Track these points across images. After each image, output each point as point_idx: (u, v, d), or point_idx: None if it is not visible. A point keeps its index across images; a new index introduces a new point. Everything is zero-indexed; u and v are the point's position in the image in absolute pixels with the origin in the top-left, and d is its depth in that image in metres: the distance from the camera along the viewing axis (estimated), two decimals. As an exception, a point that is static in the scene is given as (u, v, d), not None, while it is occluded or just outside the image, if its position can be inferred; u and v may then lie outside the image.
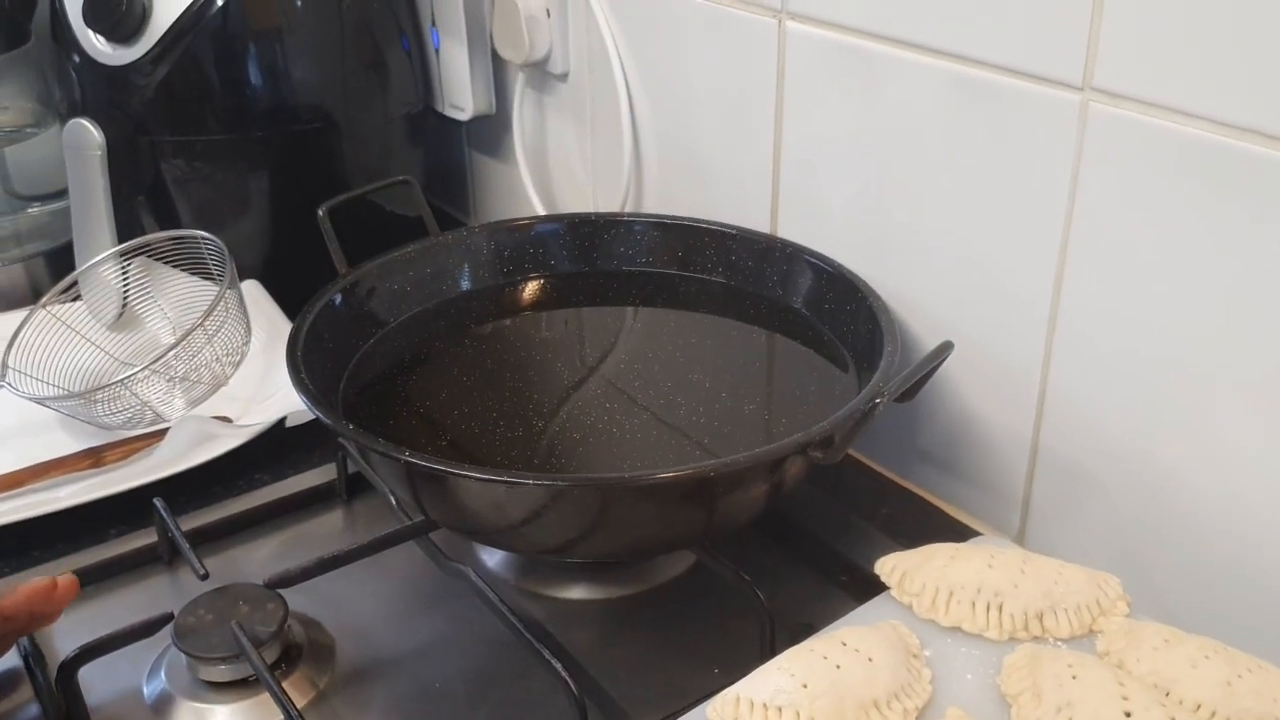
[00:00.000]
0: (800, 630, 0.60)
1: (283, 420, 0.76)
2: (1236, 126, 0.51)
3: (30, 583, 0.57)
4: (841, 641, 0.50)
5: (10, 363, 0.80)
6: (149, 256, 0.87)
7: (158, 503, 0.67)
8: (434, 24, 0.98)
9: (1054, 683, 0.47)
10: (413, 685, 0.60)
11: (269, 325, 0.86)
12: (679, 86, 0.82)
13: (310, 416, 0.62)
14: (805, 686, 0.47)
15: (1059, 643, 0.52)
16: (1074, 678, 0.47)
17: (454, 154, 1.12)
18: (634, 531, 0.59)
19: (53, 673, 0.58)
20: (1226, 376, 0.55)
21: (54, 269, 0.99)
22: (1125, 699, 0.46)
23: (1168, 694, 0.47)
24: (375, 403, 0.68)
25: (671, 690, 0.59)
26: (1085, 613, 0.52)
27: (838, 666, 0.48)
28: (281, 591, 0.60)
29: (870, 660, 0.49)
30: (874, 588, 0.57)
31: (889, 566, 0.56)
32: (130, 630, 0.59)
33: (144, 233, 0.89)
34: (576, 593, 0.66)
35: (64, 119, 0.90)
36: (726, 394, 0.68)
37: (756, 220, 0.79)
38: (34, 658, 0.60)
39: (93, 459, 0.76)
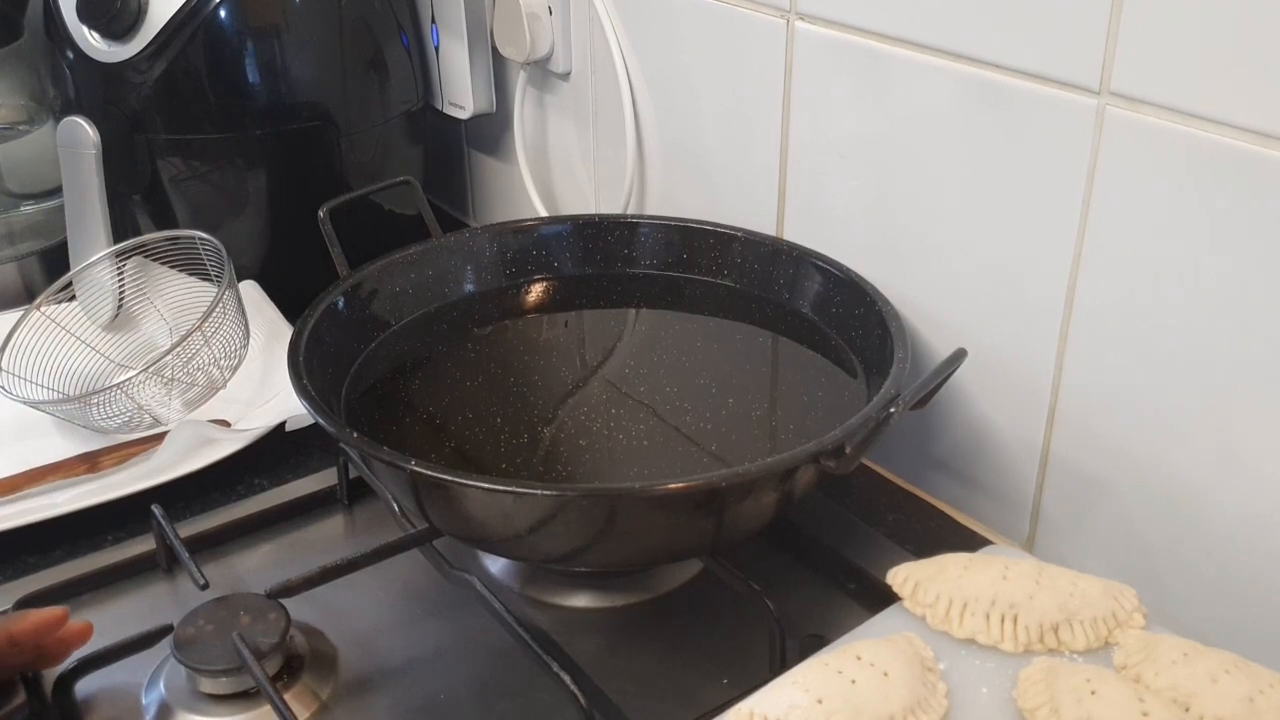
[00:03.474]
0: (809, 640, 0.60)
1: (282, 424, 0.75)
2: (1257, 132, 0.50)
3: (42, 611, 0.56)
4: (856, 655, 0.49)
5: (4, 365, 0.79)
6: (145, 257, 0.86)
7: (156, 509, 0.66)
8: (434, 21, 0.97)
9: (1072, 698, 0.47)
10: (417, 696, 0.59)
11: (267, 327, 0.85)
12: (683, 86, 0.81)
13: (310, 420, 0.61)
14: (820, 702, 0.47)
15: (1075, 656, 0.51)
16: (1093, 693, 0.47)
17: (453, 153, 1.11)
18: (642, 541, 0.58)
19: (50, 686, 0.57)
20: (1244, 386, 0.54)
21: (48, 269, 0.97)
22: (1145, 715, 0.45)
23: (1188, 709, 0.46)
24: (378, 407, 0.67)
25: (681, 701, 0.58)
26: (1101, 625, 0.52)
27: (853, 681, 0.47)
28: (283, 600, 0.59)
29: (886, 675, 0.48)
30: (882, 596, 0.56)
31: (901, 577, 0.55)
32: (129, 642, 0.58)
33: (140, 233, 0.88)
34: (582, 601, 0.65)
35: (58, 117, 0.88)
36: (733, 399, 0.68)
37: (762, 223, 0.78)
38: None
39: (89, 464, 0.75)
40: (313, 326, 0.67)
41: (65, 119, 0.85)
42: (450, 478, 0.54)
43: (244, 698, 0.57)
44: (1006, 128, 0.61)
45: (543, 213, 0.97)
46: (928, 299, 0.69)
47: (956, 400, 0.69)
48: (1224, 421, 0.56)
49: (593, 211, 0.93)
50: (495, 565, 0.68)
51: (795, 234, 0.76)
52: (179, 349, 0.76)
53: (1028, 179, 0.61)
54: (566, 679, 0.55)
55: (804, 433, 0.64)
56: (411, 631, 0.63)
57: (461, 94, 0.98)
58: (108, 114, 0.86)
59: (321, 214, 0.73)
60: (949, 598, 0.53)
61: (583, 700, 0.54)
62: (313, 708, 0.58)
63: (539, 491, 0.54)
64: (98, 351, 0.85)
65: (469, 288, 0.77)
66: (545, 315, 0.78)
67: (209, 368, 0.79)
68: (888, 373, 0.61)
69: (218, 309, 0.76)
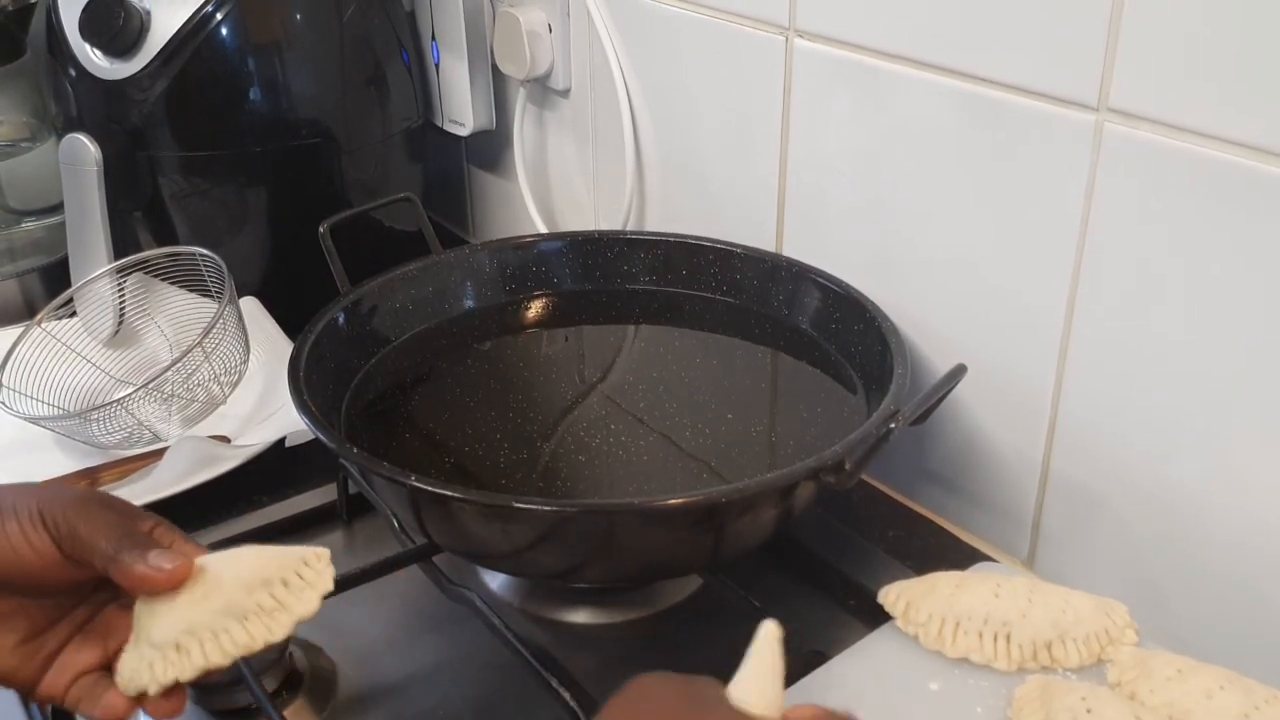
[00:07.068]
0: (810, 656, 0.59)
1: (282, 440, 0.76)
2: (1254, 147, 0.51)
3: None
4: None
5: (4, 381, 0.79)
6: (146, 273, 0.86)
7: (156, 525, 0.66)
8: (434, 38, 0.97)
9: (1068, 716, 0.47)
10: (415, 712, 0.59)
11: (267, 343, 0.85)
12: (683, 102, 0.81)
13: (310, 436, 0.61)
14: None
15: (1068, 673, 0.51)
16: (1089, 710, 0.47)
17: (453, 170, 1.11)
18: (641, 557, 0.58)
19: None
20: (1244, 400, 0.54)
21: (49, 285, 0.98)
22: (1143, 733, 0.45)
23: (1184, 727, 0.47)
24: (378, 423, 0.67)
25: (679, 718, 0.58)
26: (1094, 642, 0.52)
27: None
28: (282, 617, 0.59)
29: None
30: (882, 612, 0.56)
31: (893, 596, 0.55)
32: (129, 658, 0.58)
33: (141, 249, 0.88)
34: (582, 617, 0.65)
35: (60, 133, 0.89)
36: (732, 415, 0.68)
37: (761, 239, 0.78)
38: (30, 685, 0.59)
39: (88, 480, 0.75)
40: (313, 342, 0.67)
41: (67, 136, 0.85)
42: (450, 493, 0.54)
43: (243, 714, 0.57)
44: (1005, 143, 0.61)
45: (542, 229, 0.97)
46: (927, 314, 0.69)
47: (956, 416, 0.69)
48: (1223, 436, 0.56)
49: (592, 228, 0.94)
50: (494, 581, 0.68)
51: (794, 250, 0.76)
52: (179, 365, 0.76)
53: (1027, 194, 0.61)
54: (566, 695, 0.55)
55: (803, 448, 0.65)
56: (410, 648, 0.63)
57: (462, 111, 0.98)
58: (109, 131, 0.86)
59: (322, 230, 0.73)
60: (941, 617, 0.53)
61: (582, 716, 0.54)
62: (312, 724, 0.58)
63: (538, 507, 0.54)
64: (98, 367, 0.85)
65: (469, 304, 0.77)
66: (545, 331, 0.78)
67: (209, 384, 0.79)
68: (887, 388, 0.61)
69: (218, 325, 0.77)
